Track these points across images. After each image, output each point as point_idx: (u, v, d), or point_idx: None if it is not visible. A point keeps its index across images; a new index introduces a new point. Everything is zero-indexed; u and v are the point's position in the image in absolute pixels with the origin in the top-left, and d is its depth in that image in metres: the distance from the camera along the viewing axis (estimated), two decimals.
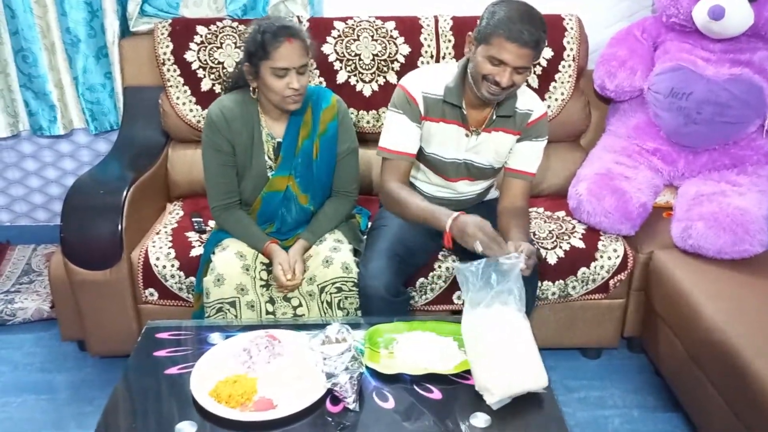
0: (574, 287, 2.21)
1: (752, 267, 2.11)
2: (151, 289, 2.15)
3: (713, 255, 2.14)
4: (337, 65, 2.48)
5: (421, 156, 2.04)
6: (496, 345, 1.48)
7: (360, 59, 2.48)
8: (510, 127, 1.97)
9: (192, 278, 2.10)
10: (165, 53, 2.46)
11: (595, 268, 2.20)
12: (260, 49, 1.82)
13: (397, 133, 1.97)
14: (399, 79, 2.45)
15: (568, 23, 2.54)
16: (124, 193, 2.17)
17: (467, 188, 2.10)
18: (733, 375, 1.74)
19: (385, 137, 1.99)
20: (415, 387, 1.53)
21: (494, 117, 1.94)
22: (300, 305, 1.95)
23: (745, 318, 1.86)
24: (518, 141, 1.99)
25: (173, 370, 1.59)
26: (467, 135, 1.97)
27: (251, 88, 1.94)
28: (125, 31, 2.63)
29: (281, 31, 1.82)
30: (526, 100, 1.98)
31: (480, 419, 1.43)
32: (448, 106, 1.93)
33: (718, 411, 1.83)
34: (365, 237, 2.13)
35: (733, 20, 2.25)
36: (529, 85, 2.50)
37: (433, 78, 1.95)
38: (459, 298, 2.20)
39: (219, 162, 1.97)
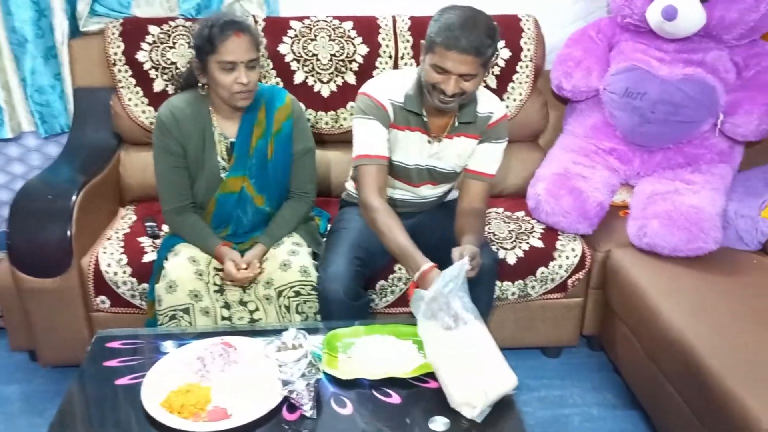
0: (533, 287, 2.22)
1: (706, 264, 2.14)
2: (103, 297, 2.09)
3: (668, 253, 2.17)
4: (294, 65, 2.45)
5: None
6: (464, 360, 1.48)
7: (317, 59, 2.45)
8: (472, 132, 1.96)
9: (145, 285, 2.05)
10: (116, 53, 2.39)
11: (553, 267, 2.21)
12: (207, 43, 1.79)
13: (371, 138, 1.89)
14: (357, 79, 2.44)
15: (525, 24, 2.55)
16: (74, 197, 2.11)
17: (429, 192, 2.09)
18: (689, 372, 1.76)
19: (360, 145, 1.91)
20: (374, 392, 1.51)
21: (456, 124, 1.93)
22: (257, 309, 1.92)
23: (701, 315, 1.89)
24: (479, 143, 1.99)
25: (125, 380, 1.55)
26: (429, 142, 1.95)
27: (200, 85, 1.90)
28: (75, 31, 2.55)
29: (229, 25, 1.79)
30: (486, 104, 1.96)
31: (439, 423, 1.42)
32: (411, 114, 1.91)
33: (676, 408, 1.85)
34: (324, 240, 2.11)
35: (686, 21, 2.29)
36: (487, 86, 2.50)
37: (395, 85, 1.92)
38: None
39: (170, 164, 1.93)
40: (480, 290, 1.62)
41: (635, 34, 2.47)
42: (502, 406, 1.46)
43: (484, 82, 2.49)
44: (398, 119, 1.92)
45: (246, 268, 1.90)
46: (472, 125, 1.95)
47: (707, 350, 1.73)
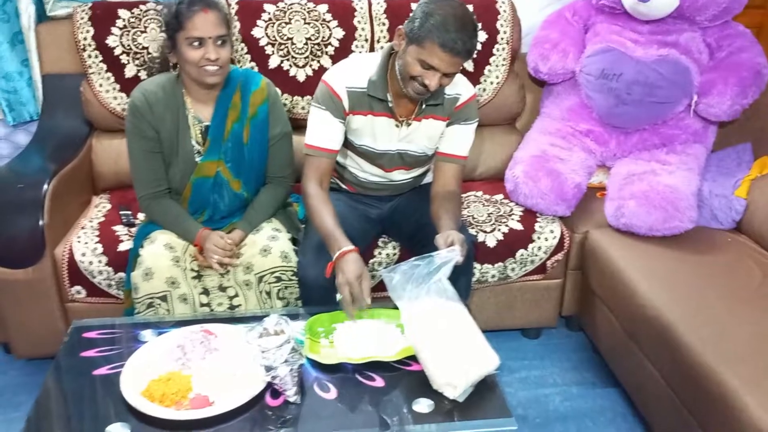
0: (513, 269, 2.23)
1: (682, 243, 2.17)
2: (78, 287, 2.05)
3: (645, 232, 2.19)
4: (269, 49, 2.41)
5: (352, 148, 2.00)
6: (445, 341, 1.48)
7: (292, 43, 2.42)
8: (440, 114, 1.94)
9: (122, 274, 2.01)
10: (85, 38, 2.33)
11: (532, 249, 2.22)
12: (174, 20, 1.77)
13: (319, 129, 1.90)
14: (333, 63, 2.40)
15: (501, 6, 2.54)
16: (45, 186, 2.06)
17: (402, 176, 2.08)
18: (667, 349, 1.79)
19: (310, 134, 1.92)
20: (357, 376, 1.51)
21: (423, 106, 1.91)
22: (236, 295, 1.90)
23: (677, 293, 1.91)
24: (448, 125, 1.97)
25: (103, 371, 1.52)
26: (397, 126, 1.93)
27: (171, 64, 1.87)
28: (42, 16, 2.48)
29: (196, 1, 1.77)
30: (455, 85, 1.93)
31: (423, 404, 1.43)
32: (374, 99, 1.89)
33: (655, 385, 1.88)
34: (303, 226, 2.09)
35: (660, 2, 2.30)
36: (462, 70, 2.50)
37: (356, 70, 1.90)
38: None
39: (144, 149, 1.89)
40: (458, 272, 1.62)
41: (610, 15, 2.47)
42: (485, 387, 1.48)
43: None
44: (358, 105, 1.89)
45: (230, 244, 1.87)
46: (440, 107, 1.93)
47: (683, 326, 1.76)
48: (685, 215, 2.17)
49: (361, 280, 1.67)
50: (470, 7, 2.44)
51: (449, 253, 1.58)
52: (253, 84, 1.95)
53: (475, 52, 2.47)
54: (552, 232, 2.24)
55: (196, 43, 1.78)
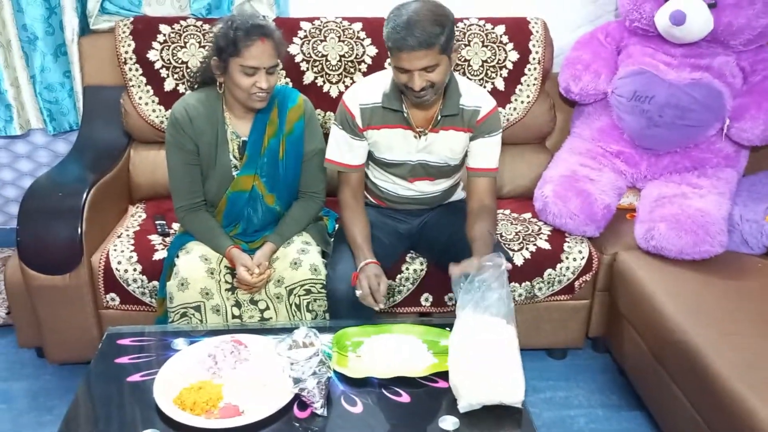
0: (540, 288, 2.23)
1: (712, 267, 2.15)
2: (113, 294, 2.10)
3: (675, 256, 2.18)
4: (303, 66, 2.46)
5: (374, 160, 2.04)
6: (483, 354, 1.46)
7: (327, 60, 2.46)
8: (459, 125, 1.96)
9: (155, 282, 2.06)
10: (127, 52, 2.40)
11: (560, 269, 2.22)
12: (231, 45, 1.79)
13: (339, 147, 1.98)
14: None
15: (533, 26, 2.56)
16: (84, 195, 2.12)
17: (429, 188, 2.09)
18: (695, 374, 1.77)
19: (330, 149, 2.01)
20: (384, 390, 1.52)
21: (439, 117, 1.93)
22: (267, 308, 1.93)
23: (707, 318, 1.90)
24: (472, 139, 1.98)
25: (136, 377, 1.56)
26: (416, 137, 1.96)
27: (218, 83, 1.91)
28: (85, 29, 2.57)
29: (255, 29, 1.79)
30: (473, 97, 1.95)
31: (448, 422, 1.43)
32: (389, 112, 1.93)
33: (681, 409, 1.86)
34: (332, 239, 2.12)
35: (694, 26, 2.30)
36: (495, 88, 2.52)
37: (370, 87, 1.96)
38: (427, 300, 2.20)
39: (183, 161, 1.94)
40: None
41: (643, 38, 2.48)
42: (513, 409, 1.47)
43: (491, 80, 2.51)
44: (374, 120, 1.95)
45: (258, 273, 1.90)
46: (457, 118, 1.94)
47: (712, 351, 1.74)
48: (715, 239, 2.15)
49: (379, 280, 1.81)
50: (501, 27, 2.51)
51: (495, 260, 1.54)
52: (291, 101, 1.99)
53: (507, 69, 2.51)
54: (580, 252, 2.24)
55: (250, 72, 1.81)
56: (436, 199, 2.14)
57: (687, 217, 2.17)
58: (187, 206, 1.97)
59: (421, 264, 2.16)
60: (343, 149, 1.98)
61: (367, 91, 1.95)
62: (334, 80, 2.48)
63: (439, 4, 1.78)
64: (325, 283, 1.91)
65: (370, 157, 2.03)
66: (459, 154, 2.02)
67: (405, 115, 1.92)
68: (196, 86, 2.00)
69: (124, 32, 2.41)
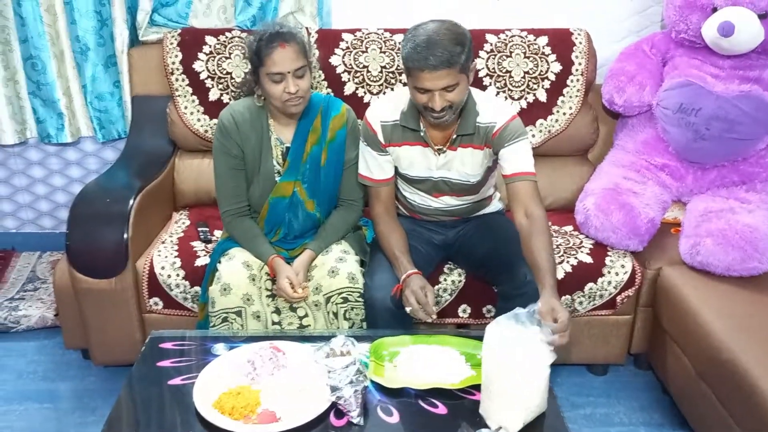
0: (581, 302, 2.20)
1: (761, 284, 2.09)
2: (156, 299, 2.15)
3: (722, 272, 2.12)
4: (345, 77, 2.48)
5: (400, 175, 2.05)
6: (511, 383, 1.43)
7: (368, 71, 2.48)
8: (476, 143, 1.95)
9: (197, 288, 2.09)
10: (174, 63, 2.46)
11: (602, 283, 2.18)
12: (255, 57, 1.86)
13: (367, 163, 2.02)
14: None
15: (576, 38, 2.54)
16: (131, 201, 2.17)
17: (456, 202, 2.09)
18: (741, 393, 1.72)
19: (360, 165, 2.05)
20: (420, 401, 1.52)
21: (455, 136, 1.93)
22: (306, 315, 1.95)
23: (754, 336, 1.84)
24: (496, 152, 1.95)
25: (177, 381, 1.59)
26: (435, 153, 1.97)
27: (256, 96, 1.97)
28: (134, 41, 2.64)
29: (273, 37, 1.84)
30: (489, 113, 1.92)
31: None
32: (408, 130, 1.95)
33: (726, 429, 1.81)
34: (370, 249, 2.13)
35: (743, 37, 2.25)
36: (534, 99, 2.50)
37: (390, 104, 1.97)
38: (465, 311, 2.19)
39: (229, 166, 1.99)
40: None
41: (690, 49, 2.43)
42: (549, 422, 1.45)
43: (533, 91, 2.50)
44: (394, 137, 1.96)
45: (301, 288, 1.92)
46: (474, 136, 1.94)
47: (760, 371, 1.69)
48: (764, 256, 2.09)
49: (426, 291, 1.79)
50: (544, 39, 2.49)
51: (552, 336, 1.49)
52: (334, 109, 2.03)
53: (549, 81, 2.49)
54: (623, 266, 2.20)
55: (277, 78, 1.85)
56: (466, 210, 2.13)
57: (734, 233, 2.11)
58: (233, 211, 2.02)
59: (460, 275, 2.15)
60: (371, 165, 2.01)
61: (387, 108, 1.97)
62: (374, 91, 2.49)
63: (456, 23, 1.79)
64: (362, 292, 1.92)
65: (396, 171, 2.05)
66: (478, 171, 2.01)
67: (422, 134, 1.93)
68: (241, 95, 2.04)
69: (171, 44, 2.47)
